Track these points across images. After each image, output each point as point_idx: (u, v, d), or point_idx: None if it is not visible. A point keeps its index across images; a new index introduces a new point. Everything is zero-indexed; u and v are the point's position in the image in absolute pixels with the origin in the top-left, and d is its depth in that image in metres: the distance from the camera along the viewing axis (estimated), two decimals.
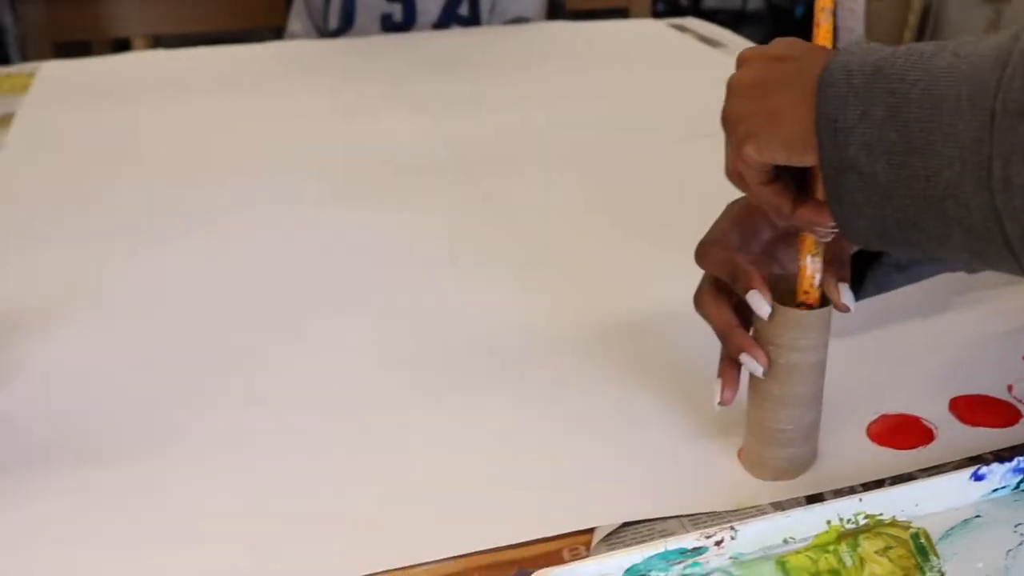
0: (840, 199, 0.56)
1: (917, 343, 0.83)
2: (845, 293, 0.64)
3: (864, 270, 0.77)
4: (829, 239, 0.62)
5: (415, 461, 0.71)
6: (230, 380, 0.81)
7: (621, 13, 2.76)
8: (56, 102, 1.58)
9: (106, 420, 0.76)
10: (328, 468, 0.71)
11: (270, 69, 1.75)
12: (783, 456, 0.67)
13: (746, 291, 0.64)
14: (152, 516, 0.66)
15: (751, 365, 0.65)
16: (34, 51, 2.52)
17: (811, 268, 0.63)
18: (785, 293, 0.65)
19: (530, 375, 0.81)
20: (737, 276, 0.66)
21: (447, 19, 2.00)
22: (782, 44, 0.63)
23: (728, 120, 0.62)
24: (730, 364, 0.67)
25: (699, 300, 0.70)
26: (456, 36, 1.94)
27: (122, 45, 2.69)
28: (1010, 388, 0.77)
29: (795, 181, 0.62)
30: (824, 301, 0.64)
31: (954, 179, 0.51)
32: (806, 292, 0.64)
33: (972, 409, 0.75)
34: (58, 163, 1.32)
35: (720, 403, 0.67)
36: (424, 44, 1.88)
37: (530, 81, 1.61)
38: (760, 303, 0.64)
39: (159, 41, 2.74)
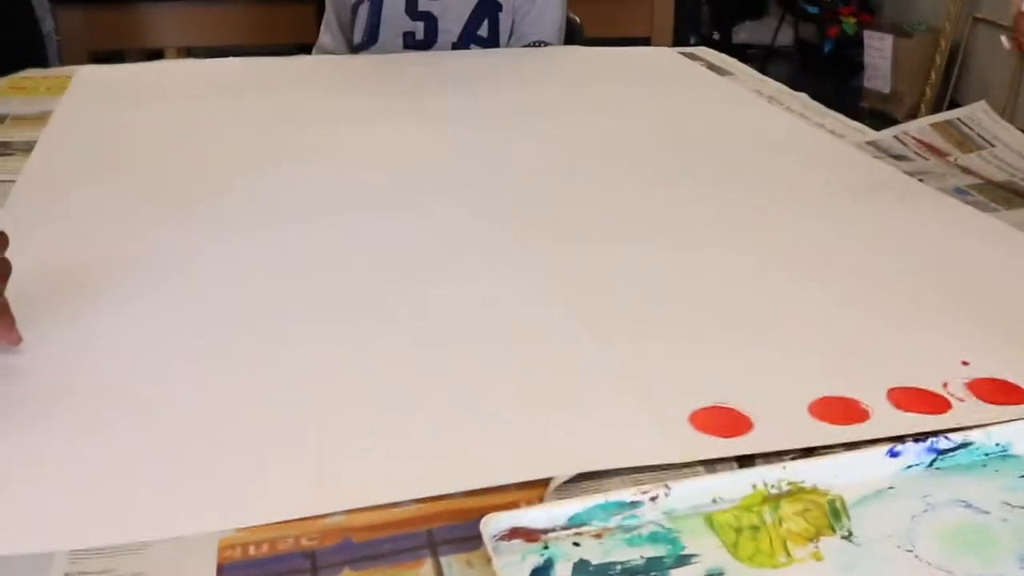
0: None
1: (867, 341, 0.90)
2: None
3: None
4: None
5: (388, 412, 0.79)
6: (250, 347, 0.89)
7: (644, 43, 2.85)
8: (90, 103, 1.67)
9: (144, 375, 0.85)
10: (311, 415, 0.79)
11: (294, 80, 1.84)
12: None
13: None
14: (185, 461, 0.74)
15: None
16: (71, 58, 2.62)
17: None
18: None
19: (506, 345, 0.89)
20: None
21: (467, 40, 2.08)
22: None
23: None
24: None
25: None
26: (474, 56, 2.02)
27: (155, 56, 2.79)
28: (945, 385, 0.84)
29: None
30: None
31: None
32: None
33: (907, 398, 0.82)
34: (88, 156, 1.40)
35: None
36: (443, 62, 1.96)
37: (539, 99, 1.69)
38: None
39: (190, 53, 2.84)
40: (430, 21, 2.06)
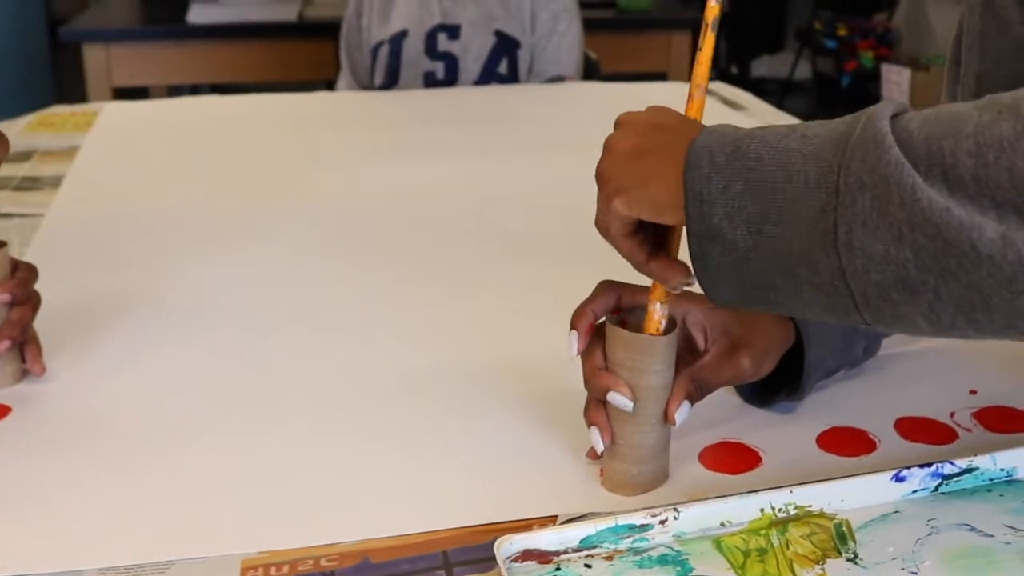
0: (705, 263, 0.64)
1: (875, 371, 0.92)
2: (682, 409, 0.73)
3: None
4: (677, 292, 0.71)
5: (416, 456, 0.81)
6: (273, 381, 0.92)
7: (661, 77, 2.87)
8: (116, 139, 1.71)
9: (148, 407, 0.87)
10: (335, 457, 0.81)
11: (317, 116, 1.87)
12: (634, 472, 0.75)
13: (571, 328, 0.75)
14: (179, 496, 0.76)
15: (619, 401, 0.72)
16: (96, 94, 2.66)
17: (658, 313, 0.72)
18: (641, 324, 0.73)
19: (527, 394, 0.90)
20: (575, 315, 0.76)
21: (487, 78, 2.11)
22: (657, 112, 0.71)
23: (602, 175, 0.69)
24: (597, 406, 0.75)
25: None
26: (493, 92, 2.05)
27: (177, 91, 2.83)
28: (952, 415, 0.86)
29: (652, 237, 0.70)
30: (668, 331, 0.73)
31: (804, 244, 0.59)
32: (651, 334, 0.72)
33: (914, 428, 0.84)
34: (114, 191, 1.44)
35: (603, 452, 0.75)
36: (463, 98, 1.99)
37: (558, 135, 1.72)
38: (572, 344, 0.75)
39: (212, 89, 2.88)
40: (450, 61, 2.09)
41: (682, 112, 0.72)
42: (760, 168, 0.61)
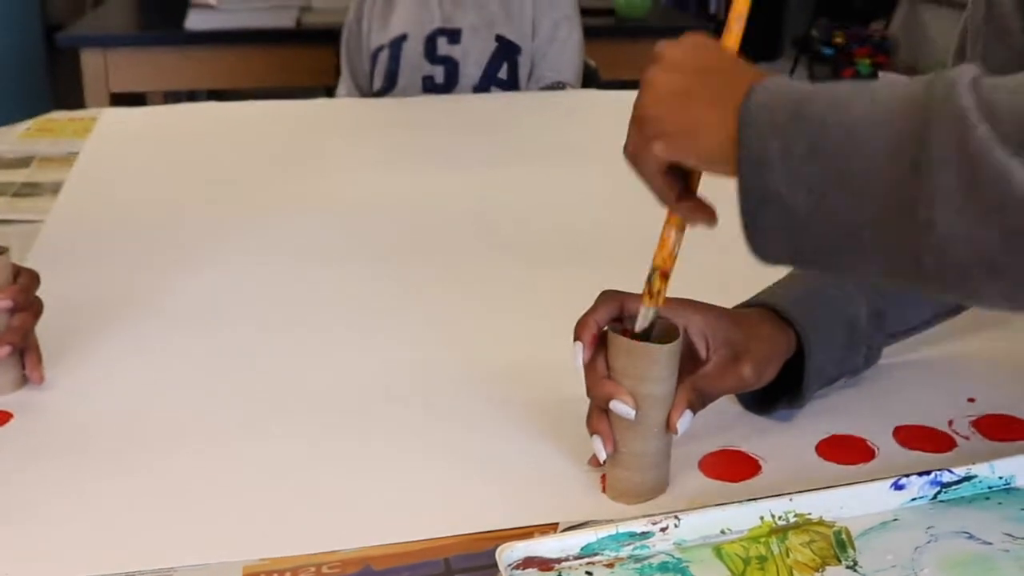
0: (756, 227, 0.61)
1: (874, 380, 0.92)
2: (684, 418, 0.73)
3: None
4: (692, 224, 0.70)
5: (417, 463, 0.82)
6: (273, 387, 0.93)
7: None
8: (115, 145, 1.71)
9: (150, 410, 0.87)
10: (336, 464, 0.81)
11: (315, 123, 1.87)
12: (637, 480, 0.75)
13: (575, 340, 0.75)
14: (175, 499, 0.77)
15: (621, 409, 0.72)
16: (94, 100, 2.66)
17: (673, 240, 0.71)
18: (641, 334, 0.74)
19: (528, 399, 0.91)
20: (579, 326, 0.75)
21: (487, 82, 2.11)
22: (700, 49, 0.68)
23: (643, 114, 0.66)
24: (600, 414, 0.75)
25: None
26: (493, 99, 2.06)
27: (174, 97, 2.83)
28: (950, 423, 0.86)
29: (682, 172, 0.68)
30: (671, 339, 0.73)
31: (876, 212, 0.57)
32: (664, 260, 0.72)
33: (913, 436, 0.84)
34: (113, 197, 1.44)
35: (606, 460, 0.75)
36: (462, 106, 1.99)
37: (557, 143, 1.72)
38: (577, 355, 0.75)
39: (210, 95, 2.88)
40: (450, 65, 2.09)
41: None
42: (825, 132, 0.58)
